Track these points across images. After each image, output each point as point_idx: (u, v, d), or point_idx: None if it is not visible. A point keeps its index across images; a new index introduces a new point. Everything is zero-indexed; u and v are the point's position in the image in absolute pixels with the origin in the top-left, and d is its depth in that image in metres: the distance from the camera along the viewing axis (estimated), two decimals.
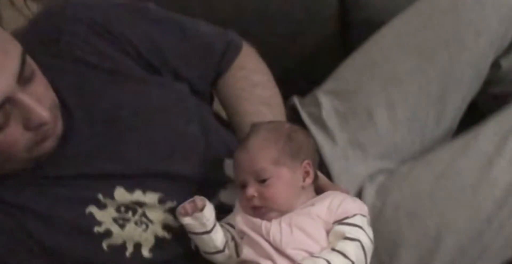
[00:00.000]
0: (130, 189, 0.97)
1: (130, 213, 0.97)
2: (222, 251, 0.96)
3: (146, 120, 1.00)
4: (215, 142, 1.05)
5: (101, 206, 0.96)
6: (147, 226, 0.98)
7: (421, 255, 1.06)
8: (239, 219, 0.95)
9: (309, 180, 0.95)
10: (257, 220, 0.93)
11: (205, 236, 0.95)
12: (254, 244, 0.93)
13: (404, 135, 1.17)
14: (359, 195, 1.12)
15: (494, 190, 1.03)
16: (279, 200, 0.93)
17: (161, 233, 0.99)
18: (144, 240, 0.98)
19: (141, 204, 0.97)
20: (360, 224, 0.91)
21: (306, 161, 0.95)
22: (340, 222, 0.91)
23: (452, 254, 1.05)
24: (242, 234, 0.95)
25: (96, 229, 0.95)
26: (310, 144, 1.00)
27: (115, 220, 0.96)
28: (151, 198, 0.98)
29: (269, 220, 0.92)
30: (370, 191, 1.12)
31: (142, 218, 0.98)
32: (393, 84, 1.16)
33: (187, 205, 0.94)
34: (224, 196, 1.03)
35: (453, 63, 1.16)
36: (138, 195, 0.97)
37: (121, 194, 0.96)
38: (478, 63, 1.18)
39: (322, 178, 1.02)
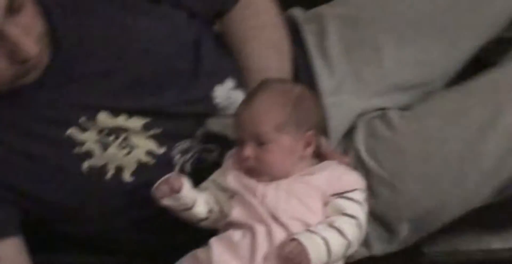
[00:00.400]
0: (115, 113, 0.97)
1: (112, 137, 0.98)
2: (206, 219, 0.94)
3: (135, 53, 1.00)
4: (206, 74, 1.04)
5: (82, 129, 0.96)
6: (130, 150, 0.98)
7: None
8: (231, 178, 0.93)
9: (309, 150, 0.93)
10: (253, 183, 0.91)
11: (186, 212, 0.93)
12: (246, 206, 0.90)
13: (408, 76, 1.13)
14: (350, 132, 1.11)
15: (482, 162, 1.02)
16: (275, 166, 0.91)
17: (145, 158, 0.99)
18: (127, 164, 0.98)
19: (124, 129, 0.97)
20: (360, 200, 0.90)
21: (310, 131, 0.93)
22: (339, 195, 0.90)
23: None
24: (233, 194, 0.92)
25: (77, 150, 0.96)
26: (318, 112, 0.97)
27: (96, 141, 0.97)
28: (135, 123, 0.98)
29: (262, 182, 0.91)
30: (360, 135, 1.10)
31: (125, 142, 0.98)
32: (408, 23, 1.14)
33: (162, 187, 0.91)
34: (212, 124, 1.02)
35: (473, 12, 1.14)
36: (122, 120, 0.97)
37: (104, 118, 0.97)
38: (498, 15, 1.16)
39: (325, 146, 0.98)
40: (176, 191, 0.90)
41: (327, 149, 0.97)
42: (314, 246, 0.84)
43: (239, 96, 1.03)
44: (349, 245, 0.87)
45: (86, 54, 0.99)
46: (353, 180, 0.93)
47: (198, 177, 0.96)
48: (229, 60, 1.08)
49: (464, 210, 1.06)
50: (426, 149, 1.05)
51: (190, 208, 0.92)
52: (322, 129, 0.98)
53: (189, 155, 1.02)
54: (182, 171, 1.00)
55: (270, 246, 0.87)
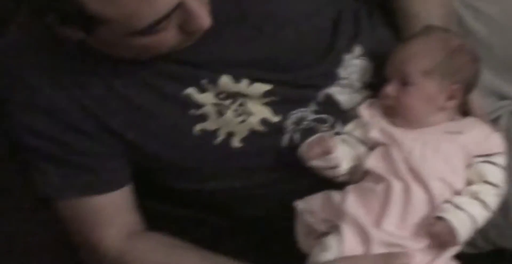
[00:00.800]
0: (237, 78, 0.96)
1: (229, 101, 0.97)
2: (345, 175, 0.94)
3: (275, 27, 0.98)
4: (339, 49, 1.02)
5: (201, 90, 0.96)
6: (245, 118, 0.98)
7: None
8: (376, 130, 0.92)
9: (451, 104, 0.92)
10: (399, 134, 0.90)
11: (329, 171, 0.93)
12: (387, 159, 0.89)
13: None
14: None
15: None
16: (411, 110, 0.91)
17: (258, 127, 0.98)
18: (239, 130, 0.98)
19: (243, 95, 0.97)
20: (503, 165, 0.89)
21: (457, 85, 0.92)
22: (484, 157, 0.89)
23: None
24: (375, 145, 0.92)
25: (192, 111, 0.96)
26: (473, 69, 0.94)
27: (213, 105, 0.97)
28: (256, 89, 0.97)
29: (409, 135, 0.90)
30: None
31: (242, 107, 0.98)
32: None
33: (315, 148, 0.91)
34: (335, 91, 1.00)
35: None
36: (243, 86, 0.97)
37: (226, 82, 0.96)
38: None
39: (475, 103, 0.97)
40: (329, 152, 0.90)
41: (475, 106, 0.97)
42: (462, 226, 0.84)
43: (361, 64, 1.02)
44: (491, 215, 0.88)
45: (229, 21, 0.96)
46: (499, 143, 0.91)
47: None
48: (365, 28, 1.05)
49: None
50: None
51: (336, 167, 0.91)
52: (472, 86, 0.95)
53: (301, 125, 1.00)
54: (291, 140, 0.99)
55: (406, 204, 0.86)
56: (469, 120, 0.94)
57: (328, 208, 0.90)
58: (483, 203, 0.86)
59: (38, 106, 0.95)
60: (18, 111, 0.96)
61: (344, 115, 0.99)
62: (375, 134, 0.93)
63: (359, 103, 0.98)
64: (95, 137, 0.98)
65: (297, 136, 0.99)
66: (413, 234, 0.86)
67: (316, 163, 0.91)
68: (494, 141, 0.92)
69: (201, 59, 0.96)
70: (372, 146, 0.93)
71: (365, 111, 0.96)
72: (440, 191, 0.87)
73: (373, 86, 1.00)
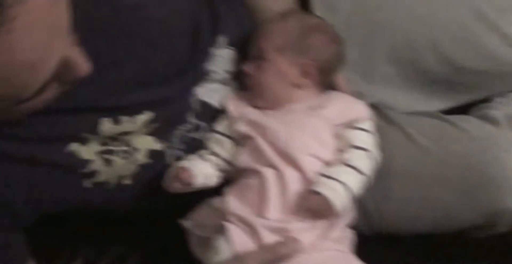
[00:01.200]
0: (116, 119, 0.92)
1: (115, 143, 0.94)
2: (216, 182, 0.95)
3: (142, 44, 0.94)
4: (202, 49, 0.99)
5: (84, 141, 0.91)
6: (131, 155, 0.95)
7: None
8: (240, 123, 0.93)
9: (306, 81, 0.94)
10: (262, 120, 0.91)
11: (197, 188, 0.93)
12: (254, 151, 0.91)
13: None
14: None
15: None
16: (267, 87, 0.93)
17: (143, 160, 0.96)
18: (127, 170, 0.95)
19: (127, 133, 0.93)
20: (370, 129, 0.92)
21: (311, 62, 0.93)
22: (349, 125, 0.91)
23: None
24: (241, 139, 0.93)
25: (82, 170, 0.92)
26: (331, 48, 0.96)
27: (99, 155, 0.93)
28: (139, 120, 0.93)
29: (272, 119, 0.91)
30: None
31: (128, 147, 0.94)
32: None
33: (174, 184, 0.91)
34: (202, 93, 0.99)
35: None
36: (125, 124, 0.93)
37: (108, 127, 0.91)
38: None
39: (337, 79, 1.00)
40: (188, 184, 0.90)
41: (339, 83, 1.00)
42: (336, 195, 0.86)
43: (228, 54, 1.01)
44: (367, 179, 0.89)
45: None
46: (362, 109, 0.94)
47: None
48: (224, 14, 1.02)
49: None
50: None
51: (201, 186, 0.93)
52: (334, 66, 0.98)
53: (183, 143, 0.99)
54: (176, 158, 0.98)
55: (282, 188, 0.87)
56: (332, 95, 0.96)
57: (212, 215, 0.91)
58: (353, 168, 0.88)
59: None
60: None
61: (220, 114, 1.00)
62: (241, 127, 0.94)
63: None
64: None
65: (180, 152, 0.99)
66: (297, 215, 0.87)
67: (179, 191, 0.92)
68: (357, 108, 0.95)
69: (75, 105, 0.90)
70: (240, 140, 0.94)
71: (230, 104, 0.97)
72: (311, 166, 0.88)
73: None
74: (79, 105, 0.89)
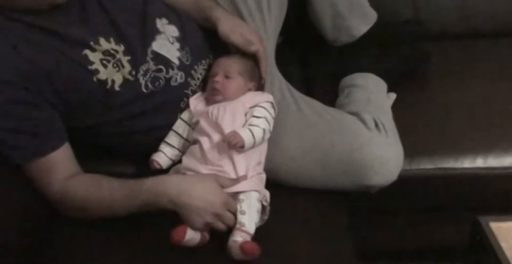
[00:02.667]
0: (107, 39, 1.38)
1: (110, 57, 1.37)
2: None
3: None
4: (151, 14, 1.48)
5: (92, 49, 1.36)
6: (119, 69, 1.38)
7: None
8: (197, 114, 1.45)
9: (247, 91, 1.47)
10: (207, 108, 1.42)
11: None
12: (200, 128, 1.42)
13: None
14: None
15: None
16: (230, 91, 1.44)
17: (127, 76, 1.39)
18: (117, 78, 1.38)
19: (116, 51, 1.38)
20: (265, 106, 1.42)
21: (253, 84, 1.48)
22: (256, 105, 1.41)
23: None
24: (195, 123, 1.44)
25: (90, 67, 1.35)
26: (260, 79, 1.51)
27: (101, 61, 1.36)
28: (120, 48, 1.39)
29: (216, 102, 1.42)
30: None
31: (118, 62, 1.38)
32: None
33: (152, 166, 1.46)
34: (155, 47, 1.46)
35: None
36: (113, 45, 1.38)
37: (103, 42, 1.37)
38: None
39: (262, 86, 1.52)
40: (160, 168, 1.45)
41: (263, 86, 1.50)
42: (244, 133, 1.34)
43: (170, 28, 1.50)
44: (264, 131, 1.37)
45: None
46: (264, 97, 1.44)
47: (158, 94, 1.43)
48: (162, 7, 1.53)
49: None
50: None
51: (171, 163, 1.46)
52: (259, 83, 1.50)
53: (147, 76, 1.42)
54: (147, 87, 1.42)
55: (212, 145, 1.37)
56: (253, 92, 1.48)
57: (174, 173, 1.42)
58: (252, 125, 1.38)
59: None
60: None
61: (170, 63, 1.45)
62: (196, 117, 1.44)
63: (175, 53, 1.47)
64: (40, 105, 1.32)
65: (149, 85, 1.43)
66: (222, 158, 1.37)
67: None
68: (261, 96, 1.45)
69: (85, 26, 1.37)
70: (195, 125, 1.44)
71: (193, 101, 1.47)
72: (229, 131, 1.36)
73: (180, 39, 1.49)
74: (87, 28, 1.38)
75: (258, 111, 1.41)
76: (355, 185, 1.48)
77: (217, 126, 1.38)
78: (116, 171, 1.50)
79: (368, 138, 1.49)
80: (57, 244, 1.38)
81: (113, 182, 1.35)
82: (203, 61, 1.55)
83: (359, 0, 1.79)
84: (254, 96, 1.46)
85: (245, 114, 1.41)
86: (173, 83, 1.48)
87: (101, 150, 1.52)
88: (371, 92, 1.68)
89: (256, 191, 1.34)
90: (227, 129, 1.36)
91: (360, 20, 1.78)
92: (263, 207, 1.34)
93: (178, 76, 1.48)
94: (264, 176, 1.41)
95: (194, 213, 1.26)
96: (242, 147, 1.33)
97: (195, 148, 1.40)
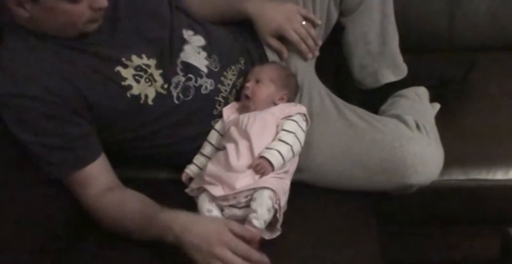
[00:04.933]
0: (139, 55, 1.38)
1: (142, 72, 1.37)
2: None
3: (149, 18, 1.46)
4: (177, 25, 1.49)
5: (124, 66, 1.35)
6: (151, 83, 1.38)
7: None
8: (229, 125, 1.42)
9: (279, 102, 1.45)
10: (238, 117, 1.40)
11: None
12: (228, 135, 1.39)
13: None
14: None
15: None
16: (259, 98, 1.42)
17: (160, 89, 1.39)
18: (150, 93, 1.38)
19: (148, 66, 1.38)
20: (297, 120, 1.38)
21: (286, 93, 1.45)
22: (286, 118, 1.38)
23: None
24: (226, 132, 1.41)
25: (123, 83, 1.34)
26: (295, 88, 1.51)
27: (134, 76, 1.35)
28: (152, 62, 1.39)
29: (247, 111, 1.41)
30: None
31: (150, 76, 1.38)
32: None
33: (184, 180, 1.45)
34: (184, 57, 1.47)
35: None
36: (145, 60, 1.38)
37: (135, 58, 1.37)
38: None
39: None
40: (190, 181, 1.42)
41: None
42: (272, 157, 1.31)
43: (196, 38, 1.51)
44: (292, 147, 1.34)
45: (125, 18, 1.41)
46: (295, 109, 1.40)
47: (189, 103, 1.42)
48: (184, 17, 1.54)
49: None
50: None
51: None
52: (293, 98, 1.49)
53: (179, 87, 1.42)
54: (178, 98, 1.42)
55: (237, 152, 1.34)
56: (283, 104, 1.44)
57: (199, 180, 1.40)
58: (282, 141, 1.34)
59: (29, 98, 1.29)
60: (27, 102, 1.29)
61: (199, 71, 1.44)
62: (228, 125, 1.42)
63: (203, 61, 1.47)
64: (74, 121, 1.32)
65: (180, 95, 1.42)
66: (245, 167, 1.33)
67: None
68: (291, 108, 1.41)
69: (117, 44, 1.37)
70: (225, 133, 1.42)
71: (227, 111, 1.46)
72: (259, 141, 1.34)
73: (206, 48, 1.48)
74: (120, 44, 1.40)
75: (288, 125, 1.38)
76: (394, 184, 1.45)
77: (246, 134, 1.36)
78: (149, 176, 1.54)
79: (410, 136, 1.45)
80: (81, 251, 1.39)
81: (137, 207, 1.34)
82: (232, 67, 1.53)
83: (392, 49, 1.70)
84: (286, 108, 1.42)
85: (277, 126, 1.38)
86: (203, 91, 1.46)
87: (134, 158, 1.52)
88: (415, 101, 1.64)
89: (270, 189, 1.29)
90: (254, 139, 1.34)
91: (389, 69, 1.69)
92: (276, 212, 1.29)
93: (208, 84, 1.46)
94: (287, 183, 1.37)
95: (194, 251, 1.23)
96: (273, 169, 1.32)
97: (220, 154, 1.37)
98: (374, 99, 1.70)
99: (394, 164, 1.43)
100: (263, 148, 1.33)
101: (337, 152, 1.46)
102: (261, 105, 1.42)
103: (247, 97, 1.43)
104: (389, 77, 1.69)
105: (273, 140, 1.35)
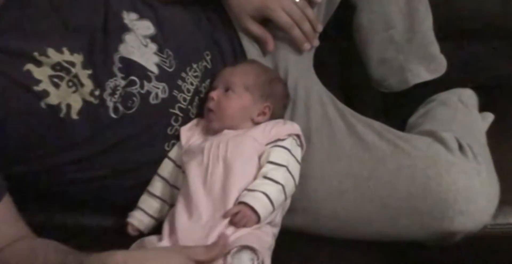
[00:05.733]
0: (59, 49, 1.16)
1: (64, 73, 1.15)
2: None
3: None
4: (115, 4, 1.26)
5: (37, 63, 1.13)
6: (76, 88, 1.16)
7: None
8: (184, 153, 1.19)
9: (260, 119, 1.20)
10: (205, 142, 1.16)
11: None
12: (189, 168, 1.14)
13: None
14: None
15: None
16: (227, 112, 1.18)
17: (89, 97, 1.16)
18: (74, 102, 1.15)
19: (72, 64, 1.16)
20: (288, 146, 1.15)
21: (268, 105, 1.21)
22: (272, 144, 1.15)
23: None
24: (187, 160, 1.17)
25: (35, 87, 1.13)
26: (283, 98, 1.27)
27: (51, 79, 1.14)
28: (77, 59, 1.17)
29: (214, 132, 1.19)
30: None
31: (75, 78, 1.16)
32: None
33: (129, 232, 1.21)
34: (124, 50, 1.23)
35: None
36: (66, 55, 1.16)
37: (53, 53, 1.15)
38: None
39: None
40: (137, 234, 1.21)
41: None
42: (257, 203, 1.07)
43: (142, 25, 1.27)
44: (283, 188, 1.10)
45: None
46: (285, 128, 1.17)
47: (132, 118, 1.18)
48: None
49: None
50: None
51: (152, 225, 1.22)
52: (281, 113, 1.27)
53: (117, 95, 1.18)
54: (116, 111, 1.18)
55: (204, 198, 1.09)
56: (265, 123, 1.20)
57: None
58: (270, 179, 1.10)
59: None
60: None
61: (146, 72, 1.21)
62: (188, 156, 1.17)
63: (152, 58, 1.23)
64: None
65: (119, 105, 1.18)
66: (222, 215, 1.09)
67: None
68: (279, 129, 1.16)
69: (26, 32, 1.15)
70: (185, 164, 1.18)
71: (186, 132, 1.22)
72: (233, 180, 1.10)
73: (157, 39, 1.25)
74: (29, 34, 1.16)
75: (277, 155, 1.14)
76: (429, 230, 1.23)
77: (215, 168, 1.14)
78: (90, 223, 1.32)
79: (449, 161, 1.24)
80: None
81: (51, 255, 1.12)
82: (194, 66, 1.29)
83: (424, 36, 1.49)
84: (272, 128, 1.18)
85: (259, 157, 1.14)
86: (152, 100, 1.22)
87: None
88: (458, 110, 1.43)
89: (250, 248, 1.07)
90: (229, 175, 1.11)
91: (420, 63, 1.49)
92: None
93: (159, 91, 1.23)
94: (272, 233, 1.16)
95: None
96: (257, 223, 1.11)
97: (182, 202, 1.13)
98: (399, 108, 1.52)
99: (429, 202, 1.21)
100: (241, 189, 1.11)
101: (346, 185, 1.25)
102: (230, 123, 1.19)
103: (210, 111, 1.20)
104: (421, 75, 1.49)
105: (255, 177, 1.13)
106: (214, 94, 1.20)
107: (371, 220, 1.26)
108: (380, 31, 1.47)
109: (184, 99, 1.27)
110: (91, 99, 1.17)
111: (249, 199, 1.08)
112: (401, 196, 1.24)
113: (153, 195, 1.22)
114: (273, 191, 1.10)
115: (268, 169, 1.12)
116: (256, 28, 1.34)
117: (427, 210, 1.22)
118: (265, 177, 1.11)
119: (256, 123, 1.20)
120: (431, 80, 1.50)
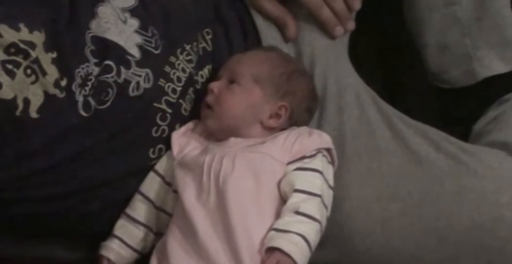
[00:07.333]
0: (13, 25, 1.06)
1: (20, 57, 1.04)
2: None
3: None
4: None
5: None
6: (37, 77, 1.06)
7: None
8: (178, 170, 1.05)
9: (273, 122, 1.05)
10: (201, 158, 1.02)
11: None
12: (185, 192, 1.01)
13: None
14: None
15: None
16: (228, 110, 1.04)
17: (52, 89, 1.06)
18: (33, 96, 1.05)
19: (32, 45, 1.05)
20: (321, 169, 0.99)
21: (284, 104, 1.06)
22: (296, 164, 1.00)
23: None
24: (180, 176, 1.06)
25: None
26: (307, 97, 1.10)
27: (3, 65, 1.02)
28: (38, 38, 1.06)
29: (214, 135, 1.06)
30: None
31: (34, 64, 1.05)
32: None
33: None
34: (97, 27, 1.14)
35: None
36: (24, 33, 1.05)
37: (5, 29, 1.04)
38: None
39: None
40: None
41: None
42: (296, 248, 0.94)
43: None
44: (321, 226, 0.98)
45: None
46: (311, 141, 1.02)
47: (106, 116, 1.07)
48: None
49: None
50: None
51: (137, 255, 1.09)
52: (302, 117, 1.13)
53: (88, 85, 1.09)
54: (87, 106, 1.08)
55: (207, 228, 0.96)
56: (283, 131, 1.06)
57: None
58: (306, 215, 0.95)
59: None
60: None
61: (125, 55, 1.08)
62: (181, 170, 1.04)
63: (132, 38, 1.11)
64: None
65: (91, 99, 1.07)
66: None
67: None
68: (304, 142, 1.01)
69: None
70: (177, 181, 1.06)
71: (179, 138, 1.08)
72: (244, 214, 0.95)
73: (138, 13, 1.13)
74: None
75: (307, 181, 0.99)
76: None
77: (218, 196, 1.02)
78: (51, 255, 1.17)
79: None
80: None
81: None
82: (187, 47, 1.16)
83: (499, 14, 1.31)
84: (295, 139, 1.03)
85: (278, 183, 0.99)
86: (132, 92, 1.09)
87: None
88: None
89: None
90: (233, 212, 0.96)
91: (494, 50, 1.31)
92: None
93: (140, 79, 1.10)
94: None
95: None
96: None
97: (176, 234, 1.00)
98: (462, 110, 1.36)
99: (500, 236, 1.12)
100: (256, 223, 0.98)
101: (391, 212, 1.13)
102: (231, 124, 1.05)
103: (208, 107, 1.07)
104: (493, 66, 1.31)
105: (276, 209, 1.00)
106: (214, 85, 1.06)
107: (423, 259, 1.14)
108: (440, 8, 1.31)
109: (174, 91, 1.12)
110: (56, 91, 1.04)
111: (284, 243, 0.94)
112: (463, 228, 1.13)
113: (133, 220, 1.07)
114: (311, 231, 0.96)
115: (298, 199, 0.97)
116: (272, 7, 1.18)
117: (498, 247, 1.13)
118: (298, 212, 0.96)
119: (267, 128, 1.05)
120: (506, 74, 1.32)
